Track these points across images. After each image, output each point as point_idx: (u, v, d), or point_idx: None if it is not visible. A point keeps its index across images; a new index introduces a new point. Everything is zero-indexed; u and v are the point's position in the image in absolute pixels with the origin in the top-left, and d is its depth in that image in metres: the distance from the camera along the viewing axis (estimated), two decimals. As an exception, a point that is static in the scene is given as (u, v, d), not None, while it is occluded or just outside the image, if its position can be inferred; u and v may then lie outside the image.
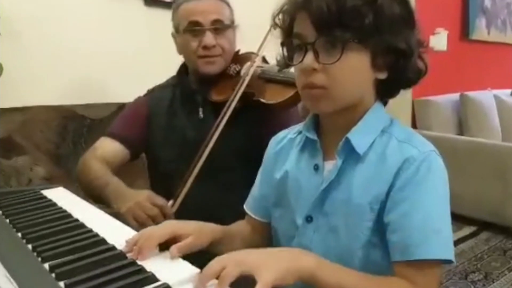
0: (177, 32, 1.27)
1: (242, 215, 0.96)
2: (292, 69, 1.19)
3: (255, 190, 0.94)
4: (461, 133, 3.24)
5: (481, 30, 3.82)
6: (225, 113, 1.16)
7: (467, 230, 2.82)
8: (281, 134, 0.93)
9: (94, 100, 1.82)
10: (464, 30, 3.70)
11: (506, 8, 4.10)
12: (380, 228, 0.71)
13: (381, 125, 0.76)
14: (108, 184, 1.13)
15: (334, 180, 0.75)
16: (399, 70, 0.73)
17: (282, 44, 0.79)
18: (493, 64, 4.03)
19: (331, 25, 0.68)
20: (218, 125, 1.15)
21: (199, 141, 1.18)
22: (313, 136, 0.80)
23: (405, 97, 3.14)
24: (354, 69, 0.71)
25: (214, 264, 0.61)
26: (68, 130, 1.79)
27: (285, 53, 0.79)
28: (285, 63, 0.81)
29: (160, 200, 1.05)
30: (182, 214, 1.03)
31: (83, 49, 1.76)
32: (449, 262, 0.68)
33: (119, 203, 1.06)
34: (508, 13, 4.13)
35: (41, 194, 1.07)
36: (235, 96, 1.18)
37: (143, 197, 1.05)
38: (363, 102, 0.76)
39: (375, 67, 0.73)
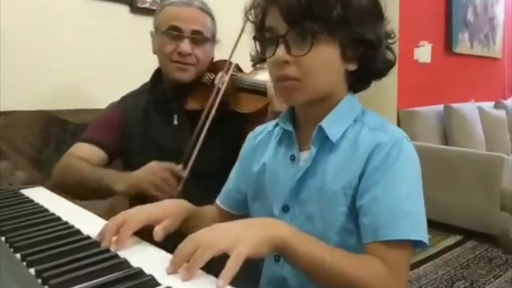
0: (156, 32, 1.27)
1: None
2: (263, 76, 1.21)
3: (229, 182, 0.95)
4: (446, 143, 3.27)
5: (464, 44, 3.91)
6: (203, 124, 1.16)
7: (453, 239, 2.84)
8: (259, 128, 0.94)
9: (78, 106, 1.80)
10: (447, 43, 3.77)
11: (488, 23, 4.20)
12: (354, 213, 0.72)
13: (353, 114, 0.78)
14: (101, 176, 1.13)
15: (309, 168, 0.76)
16: (368, 61, 0.76)
17: (255, 38, 0.80)
18: (476, 77, 4.11)
19: (301, 17, 0.70)
20: (199, 133, 1.15)
21: (174, 148, 1.18)
22: (289, 127, 0.81)
23: (390, 107, 3.20)
24: (325, 61, 0.73)
25: (186, 246, 0.59)
26: (51, 135, 1.77)
27: (258, 48, 0.81)
28: (259, 57, 0.82)
29: (167, 164, 1.08)
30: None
31: (67, 54, 1.76)
32: (421, 244, 0.69)
33: (124, 181, 1.08)
34: (490, 28, 4.23)
35: (19, 192, 1.05)
36: (212, 104, 1.17)
37: (150, 164, 1.08)
38: (336, 93, 0.78)
39: (345, 58, 0.75)
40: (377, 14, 0.76)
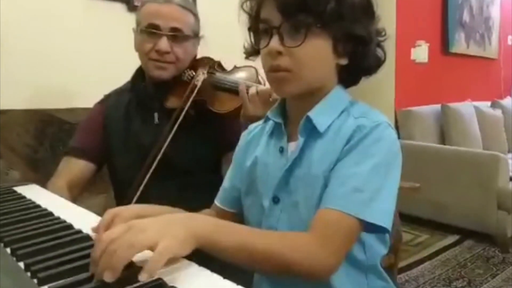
0: (137, 28, 1.26)
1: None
2: (242, 76, 1.20)
3: (225, 181, 0.95)
4: (443, 142, 3.27)
5: (460, 44, 3.91)
6: (176, 118, 1.15)
7: (451, 238, 2.83)
8: (252, 125, 0.95)
9: (75, 105, 1.79)
10: (444, 43, 3.78)
11: (484, 23, 4.21)
12: None
13: (342, 106, 0.79)
14: None
15: (297, 158, 0.77)
16: (358, 57, 0.77)
17: (249, 29, 0.81)
18: (473, 77, 4.12)
19: (295, 10, 0.72)
20: (170, 128, 1.14)
21: (154, 146, 1.18)
22: (278, 119, 0.82)
23: (388, 107, 3.20)
24: (317, 53, 0.75)
25: (101, 250, 0.54)
26: (46, 134, 1.76)
27: (252, 39, 0.82)
28: (253, 49, 0.83)
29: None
30: None
31: (64, 53, 1.75)
32: (381, 229, 0.69)
33: None
34: (486, 28, 4.24)
35: (12, 189, 1.04)
36: (186, 101, 1.17)
37: None
38: (326, 87, 0.79)
39: (337, 52, 0.76)
40: (369, 11, 0.78)
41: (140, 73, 1.30)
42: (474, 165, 2.77)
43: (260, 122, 0.93)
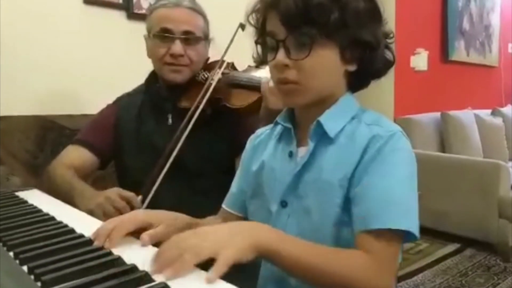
0: (148, 35, 1.27)
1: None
2: (258, 73, 1.21)
3: (233, 186, 0.94)
4: (443, 150, 3.27)
5: (460, 52, 3.93)
6: (191, 117, 1.15)
7: (451, 247, 2.82)
8: (260, 130, 0.95)
9: (75, 111, 1.80)
10: (443, 51, 3.79)
11: (484, 31, 4.23)
12: (349, 205, 0.72)
13: (352, 112, 0.79)
14: (74, 187, 1.11)
15: (307, 162, 0.76)
16: (367, 62, 0.77)
17: (256, 42, 0.82)
18: (473, 84, 4.13)
19: (299, 22, 0.72)
20: (185, 127, 1.14)
21: (167, 146, 1.17)
22: (287, 124, 0.82)
23: (387, 115, 3.21)
24: (324, 64, 0.74)
25: (171, 250, 0.58)
26: (47, 140, 1.76)
27: (259, 51, 0.82)
28: (260, 60, 0.84)
29: (128, 193, 1.04)
30: None
31: (65, 60, 1.75)
32: (412, 236, 0.68)
33: (87, 202, 1.04)
34: (486, 36, 4.26)
35: (13, 194, 1.04)
36: (201, 100, 1.17)
37: (111, 191, 1.04)
38: (335, 93, 0.79)
39: (344, 60, 0.75)
40: (375, 15, 0.76)
41: (153, 76, 1.31)
42: (475, 173, 2.77)
43: (268, 127, 0.93)
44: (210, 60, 1.33)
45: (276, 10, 0.73)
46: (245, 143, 1.15)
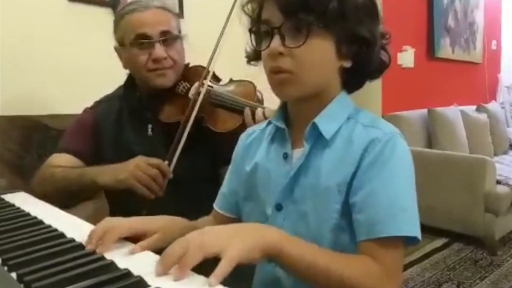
0: (122, 45, 1.20)
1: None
2: (241, 92, 1.17)
3: (224, 186, 0.93)
4: (430, 146, 3.30)
5: (446, 49, 3.96)
6: (179, 140, 1.12)
7: (439, 241, 2.85)
8: (251, 128, 0.93)
9: (61, 111, 1.76)
10: (430, 48, 3.82)
11: (468, 28, 4.28)
12: (347, 210, 0.71)
13: (347, 112, 0.77)
14: (84, 172, 1.10)
15: (303, 165, 0.75)
16: (362, 59, 0.75)
17: (250, 31, 0.79)
18: (458, 81, 4.17)
19: (297, 9, 0.69)
20: (175, 150, 1.12)
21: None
22: (281, 124, 0.80)
23: (375, 112, 3.22)
24: (320, 55, 0.72)
25: (175, 248, 0.58)
26: (32, 141, 1.72)
27: (253, 41, 0.79)
28: (254, 52, 0.81)
29: (155, 160, 1.05)
30: None
31: (49, 58, 1.72)
32: (415, 240, 0.68)
33: (115, 173, 1.04)
34: (470, 33, 4.31)
35: (-1, 197, 1.02)
36: (187, 120, 1.13)
37: (138, 160, 1.04)
38: (329, 90, 0.77)
39: (340, 54, 0.74)
40: (373, 13, 0.75)
41: (131, 81, 1.27)
42: (462, 169, 2.80)
43: (259, 125, 0.91)
44: (190, 66, 1.29)
45: None
46: (229, 158, 1.15)
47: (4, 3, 1.60)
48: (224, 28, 1.17)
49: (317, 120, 0.74)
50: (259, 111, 1.08)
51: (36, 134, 1.71)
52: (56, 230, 0.74)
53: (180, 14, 2.10)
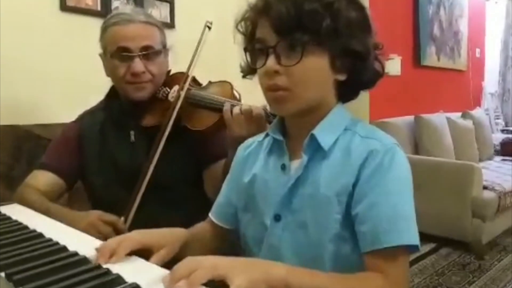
0: (105, 54, 1.22)
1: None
2: (218, 92, 1.19)
3: (220, 196, 0.94)
4: (417, 152, 3.35)
5: (431, 57, 4.04)
6: (160, 140, 1.13)
7: (427, 246, 2.88)
8: (249, 140, 0.94)
9: (51, 120, 1.75)
10: (416, 56, 3.89)
11: (453, 37, 4.36)
12: (348, 221, 0.72)
13: (344, 123, 0.79)
14: (48, 210, 1.07)
15: (301, 176, 0.76)
16: (357, 72, 0.77)
17: (245, 50, 0.81)
18: (444, 88, 4.25)
19: (291, 29, 0.71)
20: (155, 149, 1.13)
21: (131, 165, 1.17)
22: (279, 136, 0.81)
23: (363, 119, 3.25)
24: (315, 71, 0.74)
25: (186, 265, 0.59)
26: (23, 151, 1.71)
27: (248, 59, 0.81)
28: (249, 68, 0.83)
29: (111, 217, 1.03)
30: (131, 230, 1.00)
31: (40, 68, 1.71)
32: (416, 249, 0.69)
33: (66, 224, 1.00)
34: (455, 41, 4.39)
35: (-6, 210, 1.01)
36: (167, 122, 1.15)
37: (94, 216, 1.02)
38: (325, 103, 0.79)
39: (334, 68, 0.75)
40: (366, 26, 0.77)
41: (113, 92, 1.28)
42: (449, 175, 2.84)
43: (257, 137, 0.92)
44: (172, 73, 1.30)
45: (267, 17, 0.73)
46: (213, 156, 1.15)
47: (-5, 13, 1.60)
48: (201, 37, 1.21)
49: (315, 132, 0.76)
50: (236, 108, 1.09)
51: (27, 144, 1.69)
52: (58, 243, 0.74)
53: (171, 24, 2.12)
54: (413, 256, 2.72)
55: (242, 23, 0.80)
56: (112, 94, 1.28)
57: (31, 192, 1.17)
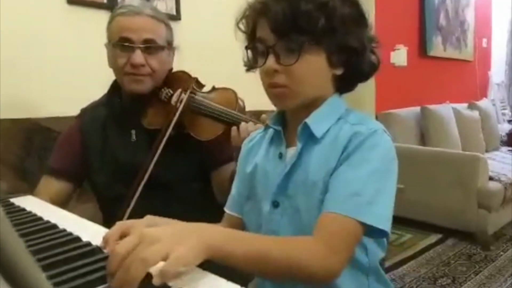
0: (109, 43, 1.23)
1: None
2: (223, 101, 1.20)
3: (233, 189, 0.96)
4: (423, 143, 3.35)
5: (437, 47, 4.02)
6: (158, 147, 1.14)
7: (434, 237, 2.90)
8: (253, 133, 0.98)
9: (61, 113, 1.77)
10: (422, 46, 3.87)
11: (459, 26, 4.33)
12: None
13: (338, 113, 0.82)
14: None
15: (295, 163, 0.79)
16: (353, 66, 0.80)
17: (247, 48, 0.84)
18: (450, 79, 4.23)
19: (288, 29, 0.74)
20: (153, 153, 1.14)
21: (132, 163, 1.18)
22: (277, 126, 0.85)
23: (369, 110, 3.26)
24: (312, 68, 0.77)
25: (114, 266, 0.55)
26: (33, 143, 1.74)
27: (250, 56, 0.85)
28: (250, 65, 0.86)
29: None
30: None
31: (49, 61, 1.73)
32: (382, 232, 0.71)
33: None
34: (461, 31, 4.36)
35: (9, 201, 1.03)
36: (167, 126, 1.15)
37: None
38: (324, 96, 0.82)
39: (332, 64, 0.79)
40: (360, 21, 0.80)
41: (115, 87, 1.28)
42: (455, 166, 2.85)
43: (261, 130, 0.95)
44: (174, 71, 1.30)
45: (266, 18, 0.76)
46: (218, 161, 1.16)
47: (4, 6, 1.61)
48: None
49: (308, 120, 0.79)
50: (243, 127, 1.11)
51: (37, 136, 1.72)
52: (71, 234, 0.75)
53: (177, 16, 2.13)
54: (419, 247, 2.75)
55: (243, 21, 0.83)
56: (114, 88, 1.28)
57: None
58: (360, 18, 0.79)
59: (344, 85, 0.84)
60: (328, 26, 0.74)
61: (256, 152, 0.90)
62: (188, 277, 0.57)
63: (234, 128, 1.12)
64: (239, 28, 0.84)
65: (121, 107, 1.25)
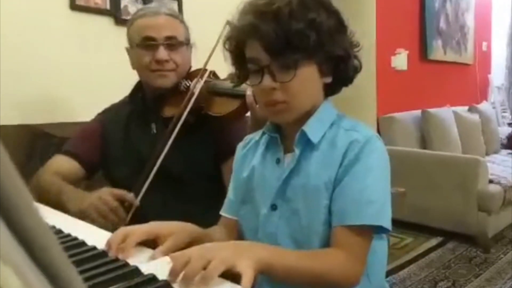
0: (131, 46, 1.28)
1: (197, 224, 0.97)
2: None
3: (229, 193, 0.98)
4: (424, 147, 3.36)
5: (438, 51, 4.03)
6: (175, 125, 1.17)
7: (434, 240, 2.90)
8: (247, 138, 1.00)
9: (63, 119, 1.79)
10: (422, 50, 3.88)
11: (459, 30, 4.35)
12: None
13: (331, 119, 0.86)
14: (62, 190, 1.13)
15: (294, 168, 0.83)
16: (341, 72, 0.85)
17: (234, 66, 0.87)
18: (451, 82, 4.24)
19: (282, 49, 0.77)
20: (168, 136, 1.16)
21: (151, 155, 1.19)
22: (273, 133, 0.88)
23: (370, 114, 3.27)
24: (307, 81, 0.82)
25: (198, 260, 0.61)
26: (35, 149, 1.75)
27: (239, 75, 0.88)
28: (240, 82, 0.89)
29: (120, 191, 1.08)
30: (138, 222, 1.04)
31: (52, 67, 1.75)
32: (383, 230, 0.78)
33: (78, 202, 1.06)
34: (461, 35, 4.38)
35: (13, 206, 1.04)
36: (183, 109, 1.18)
37: (102, 191, 1.07)
38: (316, 104, 0.86)
39: (322, 74, 0.83)
40: (341, 28, 0.83)
41: (138, 87, 1.33)
42: (455, 169, 2.85)
43: (254, 134, 0.97)
44: (193, 69, 1.34)
45: (257, 39, 0.78)
46: (229, 150, 1.17)
47: (7, 12, 1.63)
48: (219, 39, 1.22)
49: (305, 127, 0.82)
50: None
51: (39, 142, 1.73)
52: (76, 238, 0.77)
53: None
54: (420, 250, 2.75)
55: (229, 41, 0.85)
56: (137, 89, 1.34)
57: (48, 173, 1.23)
58: (342, 27, 0.83)
59: (331, 90, 0.88)
60: (318, 41, 0.77)
61: (251, 157, 0.93)
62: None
63: (249, 94, 1.13)
64: (226, 49, 0.86)
65: (143, 103, 1.30)
